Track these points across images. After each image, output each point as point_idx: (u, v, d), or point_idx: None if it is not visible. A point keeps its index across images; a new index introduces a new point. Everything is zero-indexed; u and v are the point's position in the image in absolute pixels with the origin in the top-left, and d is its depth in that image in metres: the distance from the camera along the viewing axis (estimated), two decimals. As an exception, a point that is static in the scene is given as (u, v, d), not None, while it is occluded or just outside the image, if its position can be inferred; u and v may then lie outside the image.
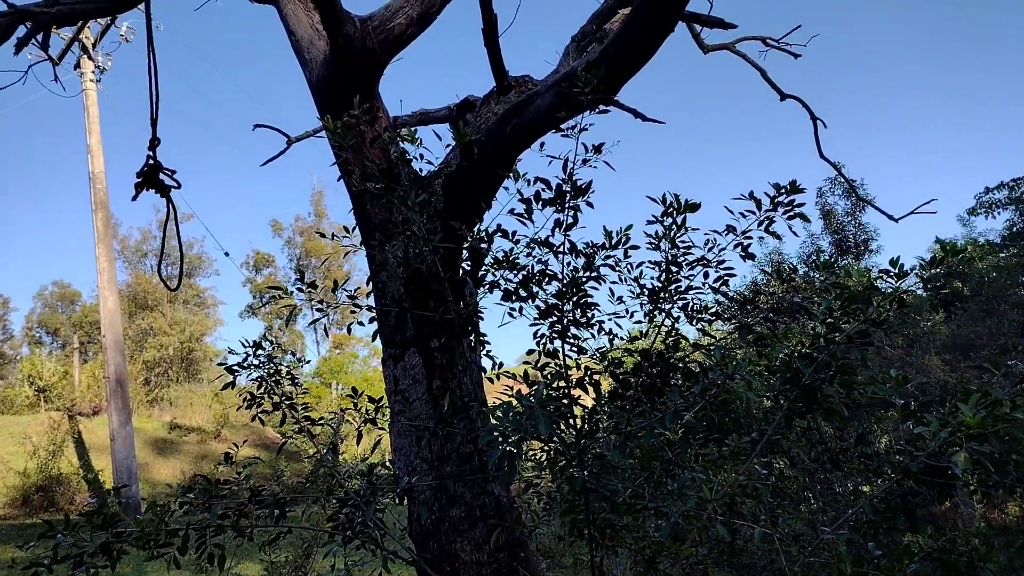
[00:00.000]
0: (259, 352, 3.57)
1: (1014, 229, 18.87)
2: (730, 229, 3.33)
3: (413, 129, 3.43)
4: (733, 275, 3.43)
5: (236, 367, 3.54)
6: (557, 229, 3.15)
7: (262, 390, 3.58)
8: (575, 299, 3.27)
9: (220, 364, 3.74)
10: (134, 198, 2.88)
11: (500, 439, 2.49)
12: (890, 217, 5.33)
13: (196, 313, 35.42)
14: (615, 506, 3.06)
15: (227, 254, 32.55)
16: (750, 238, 3.34)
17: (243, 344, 3.55)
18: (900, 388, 3.02)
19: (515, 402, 2.59)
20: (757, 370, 3.20)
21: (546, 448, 3.14)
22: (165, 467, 19.94)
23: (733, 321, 3.79)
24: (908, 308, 2.84)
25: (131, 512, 14.25)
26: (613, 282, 3.45)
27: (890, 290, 2.92)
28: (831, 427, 5.59)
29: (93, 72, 17.02)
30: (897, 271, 2.91)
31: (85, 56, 16.97)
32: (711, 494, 2.82)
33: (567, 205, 3.11)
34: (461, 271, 3.82)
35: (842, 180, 14.74)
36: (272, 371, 3.59)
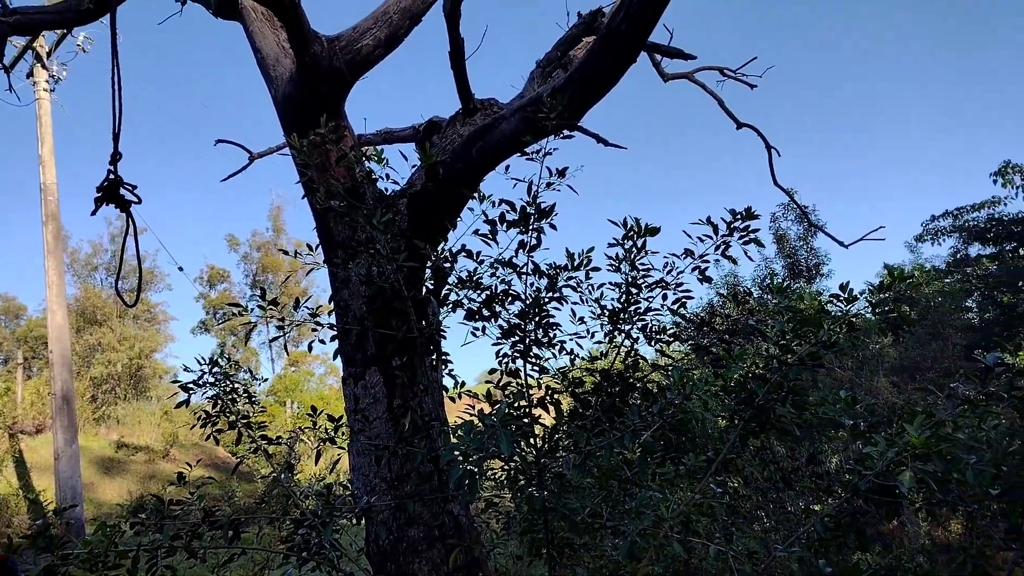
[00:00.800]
0: (215, 370, 3.51)
1: (958, 256, 19.67)
2: (688, 253, 3.42)
3: (379, 149, 3.45)
4: (691, 297, 3.52)
5: (190, 385, 3.47)
6: (521, 250, 3.20)
7: (217, 409, 3.52)
8: (537, 319, 3.32)
9: (174, 382, 3.67)
10: (93, 212, 2.82)
11: (461, 458, 2.49)
12: (840, 243, 5.52)
13: (146, 329, 34.38)
14: (574, 525, 3.08)
15: (181, 268, 31.56)
16: (707, 262, 3.44)
17: (198, 361, 3.49)
18: (849, 409, 3.13)
19: (477, 421, 2.61)
20: (713, 390, 3.28)
21: (506, 467, 3.16)
22: (111, 487, 19.26)
23: (690, 342, 3.88)
24: (857, 331, 2.96)
25: (76, 534, 13.68)
26: (575, 303, 3.51)
27: (840, 314, 3.03)
28: (783, 447, 5.72)
29: (47, 81, 16.56)
30: (847, 296, 3.02)
31: (39, 65, 16.53)
32: (667, 512, 2.87)
33: (531, 227, 3.16)
34: (424, 290, 3.83)
35: (795, 206, 15.16)
36: (228, 389, 3.54)
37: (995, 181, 17.33)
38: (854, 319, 3.07)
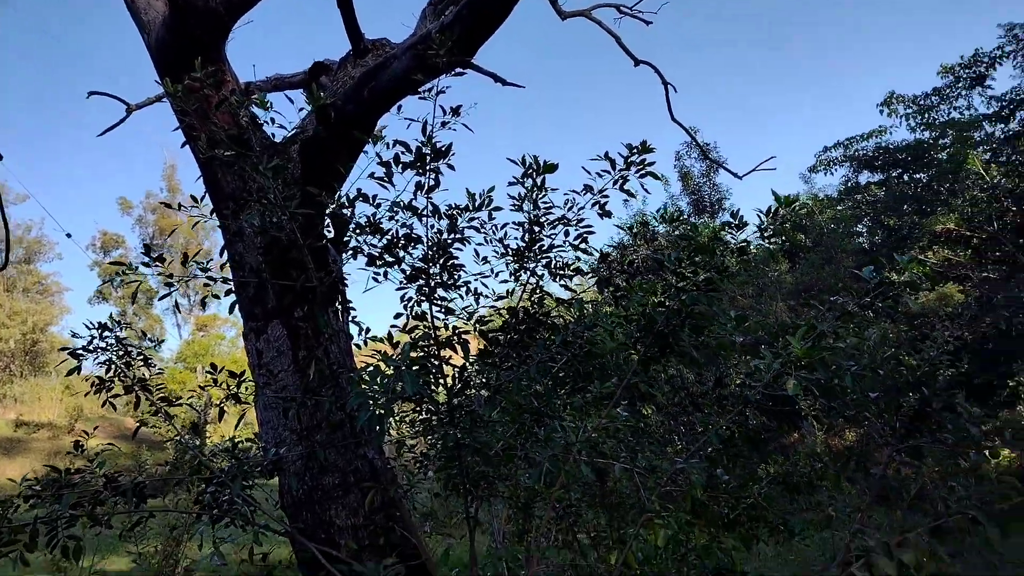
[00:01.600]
0: (106, 334, 3.34)
1: (849, 184, 20.78)
2: (588, 189, 3.46)
3: (263, 94, 3.29)
4: (592, 232, 3.58)
5: (81, 351, 3.29)
6: (419, 192, 3.15)
7: (111, 374, 3.36)
8: (441, 261, 3.30)
9: (63, 349, 3.47)
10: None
11: (370, 402, 2.49)
12: (735, 174, 5.73)
13: (39, 302, 32.29)
14: (488, 458, 3.15)
15: (69, 235, 29.31)
16: (607, 196, 3.50)
17: (87, 327, 3.31)
18: (740, 327, 3.31)
19: (383, 365, 2.60)
20: (617, 321, 3.38)
21: (417, 409, 3.18)
22: (12, 467, 18.33)
23: (591, 275, 3.97)
24: (749, 257, 3.12)
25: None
26: (478, 243, 3.51)
27: (734, 242, 3.17)
28: (692, 374, 6.00)
29: None
30: (737, 223, 3.16)
31: None
32: (576, 438, 2.98)
33: (428, 168, 3.11)
34: (323, 238, 3.73)
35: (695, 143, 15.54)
36: (122, 353, 3.38)
37: (881, 111, 18.31)
38: (748, 246, 3.23)
